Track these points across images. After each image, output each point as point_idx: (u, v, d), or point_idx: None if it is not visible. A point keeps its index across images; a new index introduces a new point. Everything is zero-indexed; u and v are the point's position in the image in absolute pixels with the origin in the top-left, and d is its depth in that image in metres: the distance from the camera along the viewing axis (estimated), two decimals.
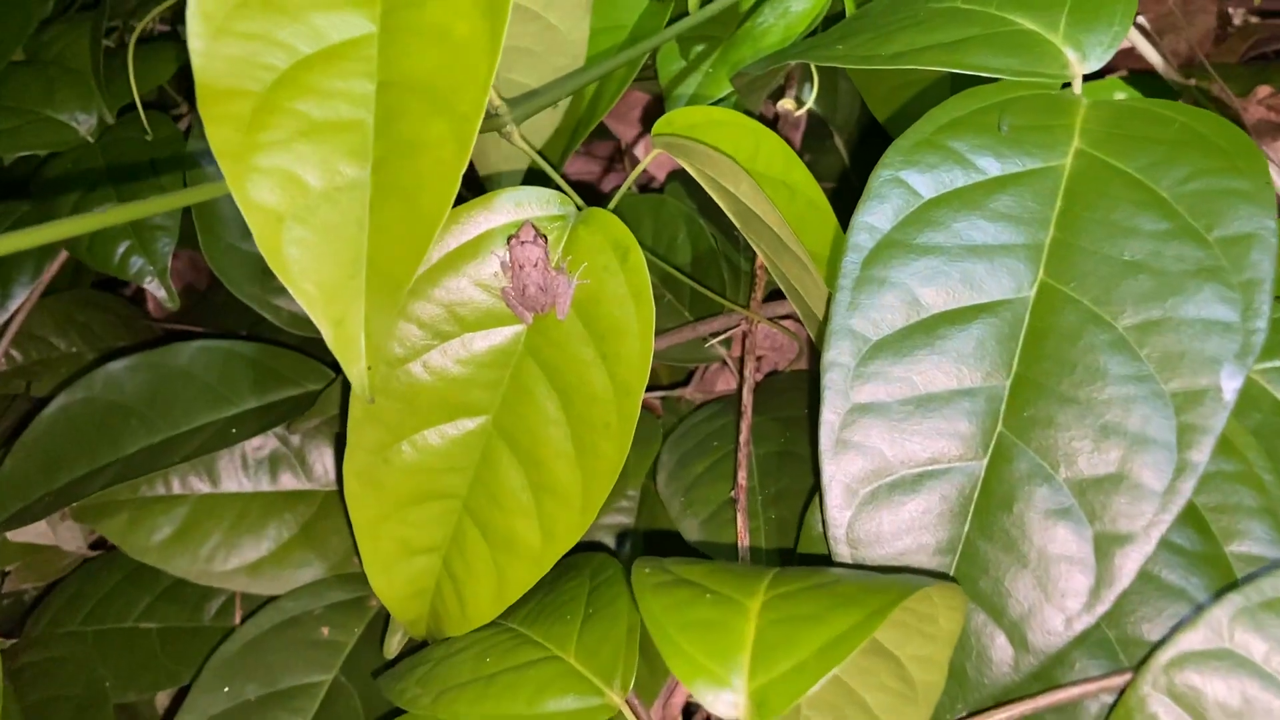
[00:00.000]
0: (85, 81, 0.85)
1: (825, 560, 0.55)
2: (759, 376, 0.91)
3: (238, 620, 0.81)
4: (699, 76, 0.75)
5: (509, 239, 0.60)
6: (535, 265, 0.59)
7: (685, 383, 0.87)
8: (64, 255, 0.85)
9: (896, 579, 0.49)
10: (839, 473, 0.54)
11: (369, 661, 0.75)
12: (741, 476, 0.72)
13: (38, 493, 0.78)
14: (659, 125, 0.64)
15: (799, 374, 0.88)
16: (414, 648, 0.73)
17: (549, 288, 0.60)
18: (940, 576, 0.53)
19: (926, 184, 0.52)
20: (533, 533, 0.63)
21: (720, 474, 0.76)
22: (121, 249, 0.81)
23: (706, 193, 0.84)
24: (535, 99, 0.66)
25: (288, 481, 0.79)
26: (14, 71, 0.86)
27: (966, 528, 0.53)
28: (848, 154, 0.96)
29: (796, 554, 0.65)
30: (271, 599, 0.79)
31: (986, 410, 0.53)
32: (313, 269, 0.48)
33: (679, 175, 0.97)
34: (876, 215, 0.52)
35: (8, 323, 0.83)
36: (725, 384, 0.91)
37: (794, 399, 0.83)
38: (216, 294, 1.02)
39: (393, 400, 0.62)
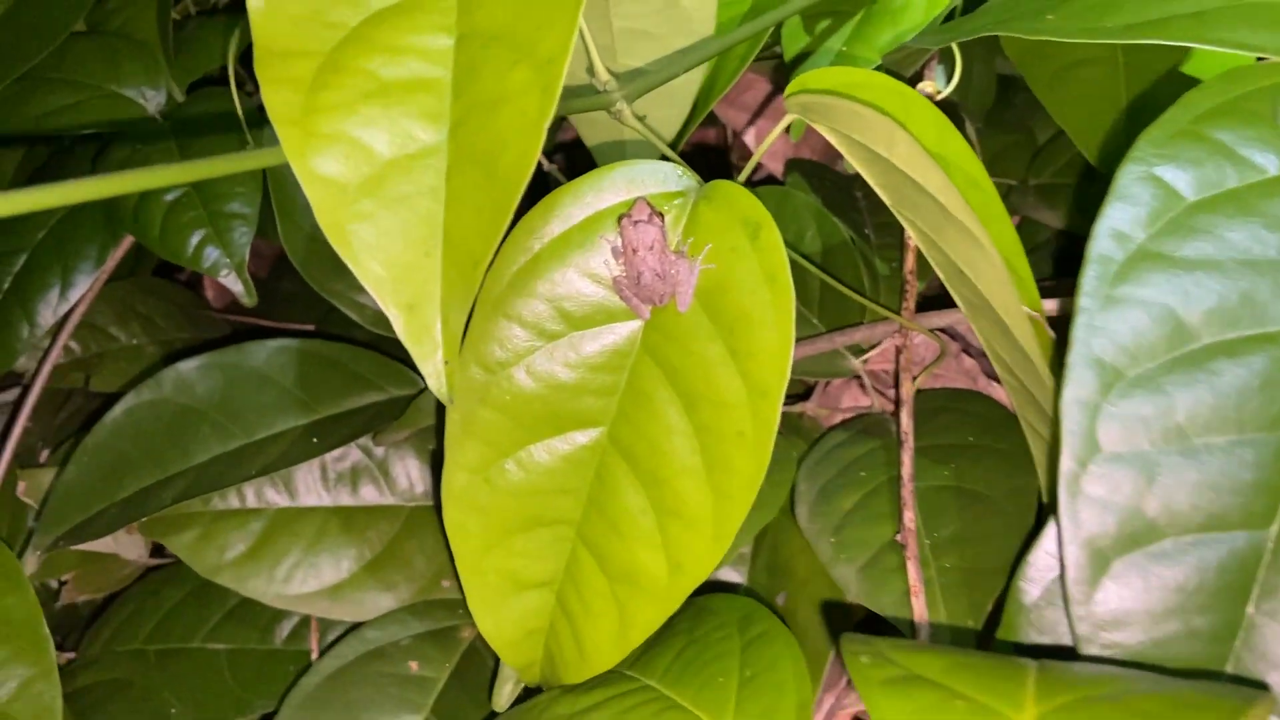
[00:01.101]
0: (152, 54, 0.79)
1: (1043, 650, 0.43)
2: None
3: (314, 645, 0.75)
4: (828, 55, 0.68)
5: (620, 219, 0.52)
6: (651, 248, 0.51)
7: (805, 397, 0.76)
8: (127, 243, 0.80)
9: (1202, 690, 0.38)
10: (1083, 535, 0.43)
11: (462, 701, 0.67)
12: (909, 518, 0.62)
13: (101, 504, 0.73)
14: (792, 86, 0.55)
15: (956, 393, 0.77)
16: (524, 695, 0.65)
17: (667, 274, 0.51)
18: (1212, 675, 0.41)
19: (1189, 183, 0.43)
20: (657, 563, 0.54)
21: (874, 511, 0.66)
22: (196, 238, 0.75)
23: (833, 186, 0.73)
24: (649, 75, 0.58)
25: (370, 495, 0.73)
26: (75, 43, 0.80)
27: (1250, 609, 0.42)
28: (978, 142, 0.87)
29: (996, 635, 0.53)
30: (353, 626, 0.72)
31: (1276, 463, 0.42)
32: (381, 247, 0.41)
33: (799, 166, 0.87)
34: (1127, 220, 0.43)
35: (69, 313, 0.79)
36: (852, 399, 0.80)
37: (954, 423, 0.71)
38: (280, 283, 0.96)
39: (494, 412, 0.54)
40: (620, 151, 0.76)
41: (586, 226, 0.54)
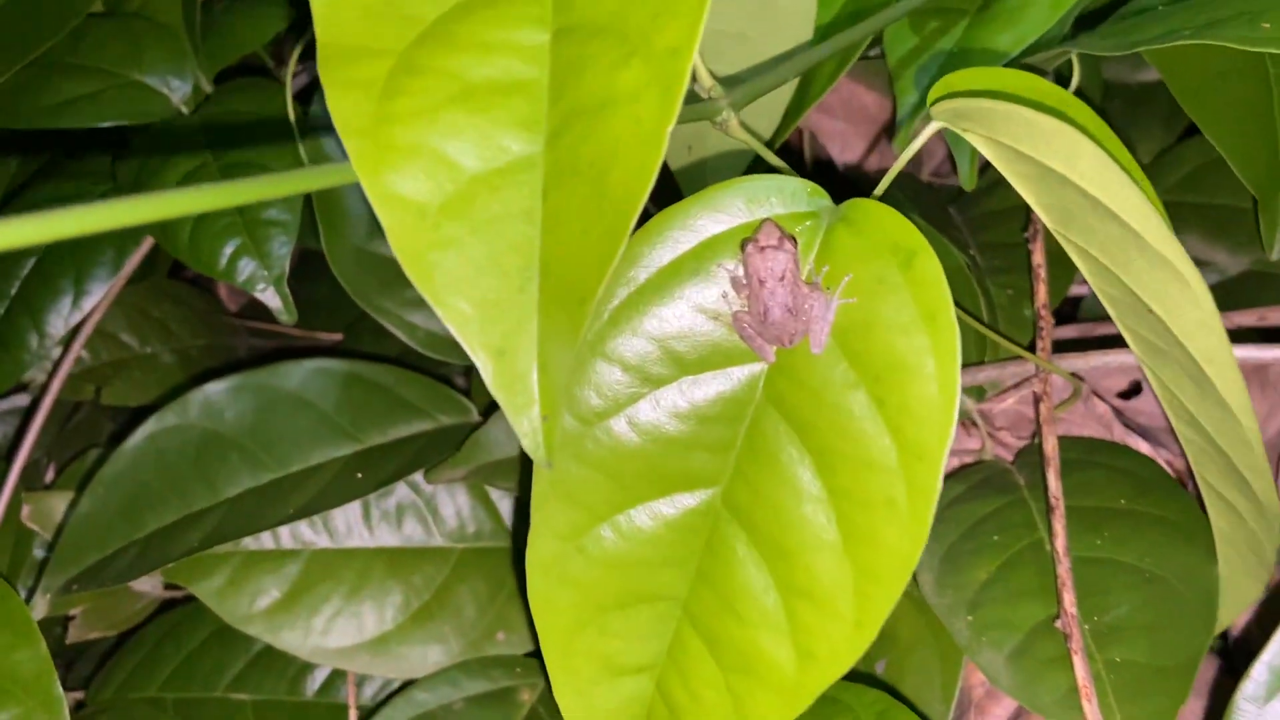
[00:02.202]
0: (177, 39, 0.71)
1: None
2: (1022, 443, 0.71)
3: (350, 698, 0.68)
4: (938, 59, 0.63)
5: (743, 245, 0.44)
6: (781, 279, 0.43)
7: None
8: (146, 245, 0.73)
9: None
10: None
11: None
12: (1069, 601, 0.53)
13: (119, 542, 0.66)
14: (937, 89, 0.47)
15: (1094, 444, 0.68)
16: None
17: (799, 310, 0.43)
18: None
19: None
20: (782, 651, 0.46)
21: (1017, 586, 0.58)
22: (230, 248, 0.67)
23: (925, 200, 0.65)
24: (754, 81, 0.51)
25: (415, 535, 0.67)
26: (92, 25, 0.71)
27: None
28: None
29: None
30: (400, 685, 0.66)
31: None
32: (467, 279, 0.34)
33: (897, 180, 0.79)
34: None
35: (82, 322, 0.72)
36: (958, 442, 0.71)
37: (1099, 482, 0.63)
38: (302, 285, 0.88)
39: (589, 469, 0.47)
40: (701, 173, 0.69)
41: (701, 253, 0.46)
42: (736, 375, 0.46)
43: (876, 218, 0.44)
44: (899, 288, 0.43)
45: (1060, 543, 0.56)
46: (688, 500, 0.47)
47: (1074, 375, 0.68)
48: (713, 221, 0.46)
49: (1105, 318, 0.81)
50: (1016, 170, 0.47)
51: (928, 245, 0.43)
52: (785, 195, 0.46)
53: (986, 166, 0.65)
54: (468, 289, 0.35)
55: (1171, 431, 0.78)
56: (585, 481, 0.47)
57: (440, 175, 0.36)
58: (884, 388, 0.43)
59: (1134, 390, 0.77)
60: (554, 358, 0.35)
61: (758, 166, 0.55)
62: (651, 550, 0.47)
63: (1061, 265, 0.72)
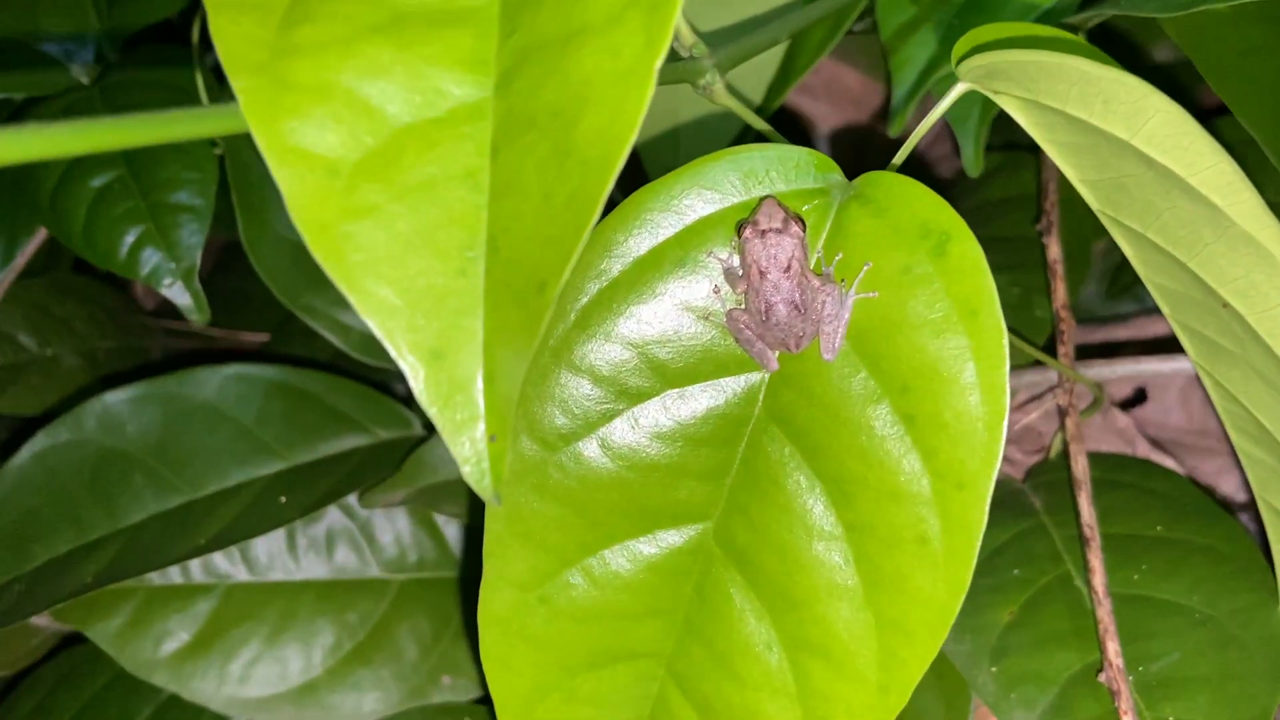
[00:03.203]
0: (79, 3, 0.63)
1: None
2: (1031, 458, 0.64)
3: None
4: (936, 31, 0.58)
5: (739, 229, 0.36)
6: (786, 270, 0.35)
7: None
8: (42, 234, 0.65)
9: None
10: None
11: None
12: (1112, 650, 0.45)
13: (2, 577, 0.58)
14: (962, 45, 0.40)
15: (1119, 462, 0.61)
16: None
17: (808, 307, 0.35)
18: None
19: None
20: (788, 718, 0.38)
21: (1045, 628, 0.51)
22: (131, 237, 0.58)
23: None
24: (743, 40, 0.44)
25: (349, 565, 0.61)
26: None
27: None
28: None
29: None
30: None
31: None
32: (392, 260, 0.26)
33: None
34: None
35: None
36: None
37: (1130, 505, 0.56)
38: (226, 280, 0.79)
39: (553, 503, 0.39)
40: (673, 148, 0.61)
41: (687, 240, 0.38)
42: (731, 387, 0.39)
43: (900, 194, 0.37)
44: (930, 279, 0.36)
45: (1099, 581, 0.48)
46: (673, 538, 0.40)
47: (1095, 382, 0.60)
48: (701, 201, 0.38)
49: (1101, 319, 0.75)
50: (1058, 139, 0.40)
51: (965, 226, 0.35)
52: (788, 168, 0.38)
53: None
54: (392, 272, 0.27)
55: (1189, 446, 0.72)
56: (549, 518, 0.39)
57: (357, 125, 0.28)
58: (913, 400, 0.36)
59: (1138, 399, 0.71)
60: (505, 362, 0.27)
61: (746, 141, 0.47)
62: (630, 599, 0.40)
63: (1076, 260, 0.65)
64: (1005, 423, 0.34)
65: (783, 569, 0.39)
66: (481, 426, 0.27)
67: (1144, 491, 0.57)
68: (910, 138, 0.41)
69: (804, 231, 0.37)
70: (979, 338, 0.35)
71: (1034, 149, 0.71)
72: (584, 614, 0.41)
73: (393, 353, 0.27)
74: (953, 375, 0.35)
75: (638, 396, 0.39)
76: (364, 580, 0.62)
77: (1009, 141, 0.73)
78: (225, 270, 0.80)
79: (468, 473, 0.27)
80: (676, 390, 0.39)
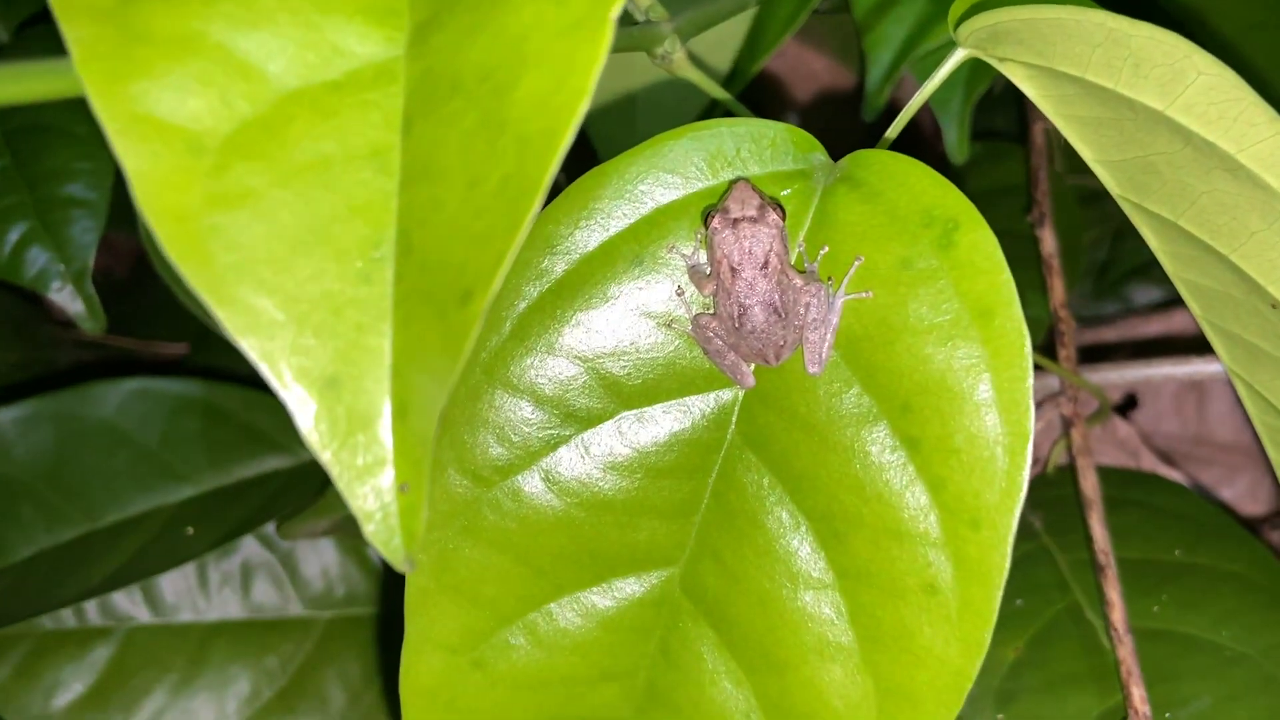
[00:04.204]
0: None
1: None
2: (1032, 472, 0.60)
3: None
4: (914, 6, 0.57)
5: (705, 218, 0.32)
6: (764, 267, 0.32)
7: None
8: None
9: None
10: None
11: None
12: (1138, 697, 0.42)
13: None
14: (959, 4, 0.36)
15: (1127, 477, 0.58)
16: None
17: (789, 311, 0.31)
18: None
19: None
20: None
21: (1056, 667, 0.50)
22: (15, 235, 0.55)
23: None
24: (706, 4, 0.40)
25: (268, 603, 0.58)
26: None
27: None
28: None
29: None
30: None
31: None
32: (272, 261, 0.22)
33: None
34: None
35: None
36: None
37: (1144, 527, 0.54)
38: (144, 286, 0.75)
39: (489, 549, 0.35)
40: (628, 124, 0.57)
41: (644, 233, 0.34)
42: (699, 407, 0.35)
43: (896, 174, 0.33)
44: (934, 274, 0.32)
45: (1119, 617, 0.45)
46: (632, 588, 0.36)
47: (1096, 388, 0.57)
48: (661, 186, 0.34)
49: (1085, 319, 0.72)
50: (1075, 113, 0.36)
51: (975, 212, 0.32)
52: (762, 147, 0.34)
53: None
54: (274, 278, 0.22)
55: (1184, 454, 0.69)
56: (484, 567, 0.35)
57: (230, 89, 0.23)
58: (917, 421, 0.32)
59: (1128, 405, 0.68)
60: (420, 391, 0.22)
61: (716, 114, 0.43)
62: (581, 661, 0.36)
63: (1071, 256, 0.62)
64: (1029, 447, 0.30)
65: (763, 623, 0.34)
66: (389, 473, 0.22)
67: (1155, 510, 0.54)
68: (905, 110, 0.36)
69: (783, 220, 0.33)
70: (995, 344, 0.31)
71: (1017, 137, 0.68)
72: (527, 680, 0.36)
73: (273, 382, 0.22)
74: (964, 390, 0.31)
75: (588, 420, 0.35)
76: (285, 619, 0.59)
77: (987, 129, 0.71)
78: (143, 276, 0.75)
79: (371, 532, 0.23)
80: (634, 412, 0.35)
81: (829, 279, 0.33)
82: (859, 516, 0.33)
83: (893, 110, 0.58)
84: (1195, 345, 0.67)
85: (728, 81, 0.55)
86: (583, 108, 0.21)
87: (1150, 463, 0.62)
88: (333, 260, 0.23)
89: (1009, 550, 0.30)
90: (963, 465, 0.31)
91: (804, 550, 0.34)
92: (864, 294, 0.33)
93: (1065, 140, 0.60)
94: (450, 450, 0.35)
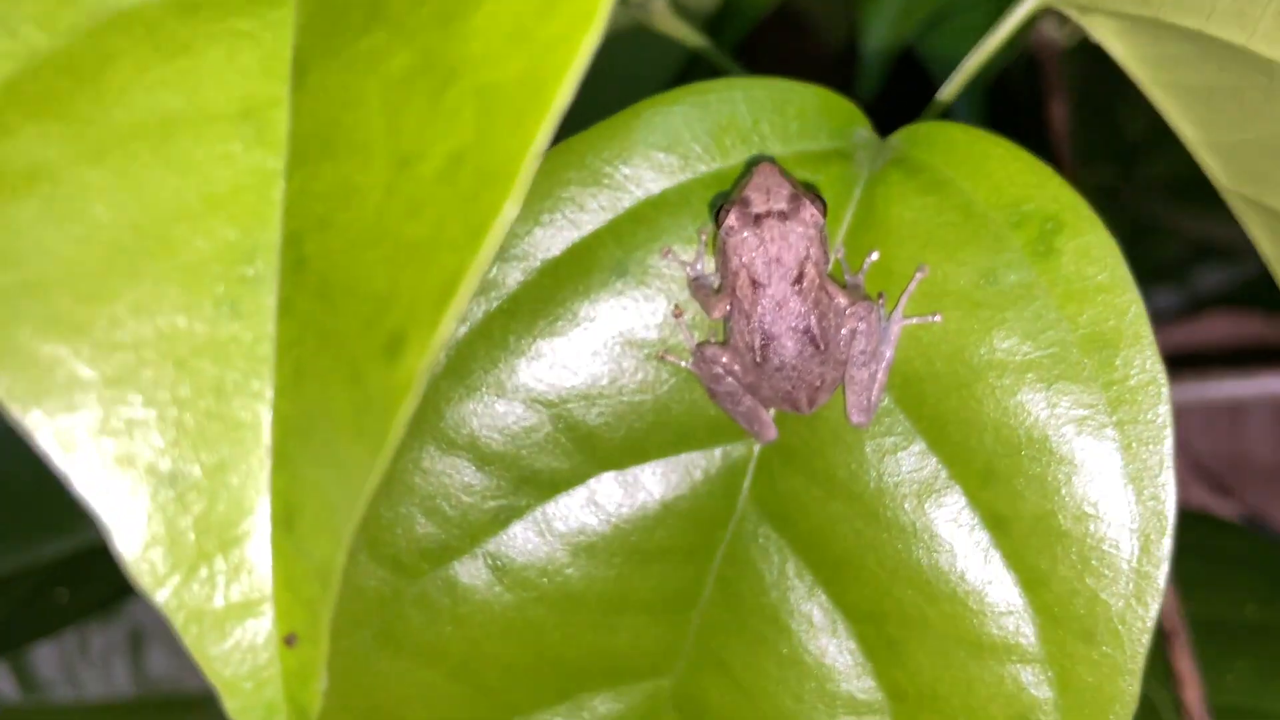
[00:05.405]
0: None
1: None
2: None
3: None
4: None
5: (715, 212, 0.25)
6: (797, 281, 0.25)
7: None
8: None
9: None
10: None
11: None
12: None
13: None
14: None
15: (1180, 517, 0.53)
16: None
17: (829, 339, 0.25)
18: None
19: None
20: None
21: None
22: None
23: None
24: None
25: (165, 676, 0.54)
26: None
27: None
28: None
29: None
30: None
31: None
32: (74, 271, 0.13)
33: None
34: None
35: None
36: None
37: (1195, 577, 0.48)
38: None
39: (414, 660, 0.30)
40: (607, 82, 0.51)
41: (628, 231, 0.28)
42: (700, 468, 0.30)
43: (973, 156, 0.27)
44: (1029, 292, 0.26)
45: (1194, 696, 0.39)
46: (609, 707, 0.31)
47: None
48: (650, 168, 0.28)
49: None
50: (1181, 80, 0.32)
51: (1085, 207, 0.26)
52: (787, 117, 0.28)
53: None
54: (74, 309, 0.15)
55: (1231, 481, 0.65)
56: (408, 686, 0.29)
57: (12, 6, 0.16)
58: (1004, 493, 0.26)
59: None
60: (319, 490, 0.15)
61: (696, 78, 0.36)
62: None
63: None
64: (1172, 531, 0.23)
65: None
66: (266, 620, 0.15)
67: (1218, 556, 0.50)
68: (959, 70, 0.30)
69: (824, 217, 0.26)
70: (1118, 388, 0.25)
71: (1030, 129, 0.64)
72: None
73: (71, 477, 0.14)
74: (1073, 451, 0.25)
75: (551, 485, 0.29)
76: (184, 696, 0.55)
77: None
78: None
79: (237, 711, 0.15)
80: (613, 473, 0.29)
81: (880, 297, 0.26)
82: (921, 619, 0.26)
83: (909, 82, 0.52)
84: (1225, 358, 0.63)
85: (715, 32, 0.48)
86: (591, 41, 0.14)
87: (1201, 496, 0.58)
88: (176, 282, 0.15)
89: (1140, 674, 0.24)
90: (1071, 555, 0.25)
91: (843, 661, 0.27)
92: (930, 318, 0.26)
93: (1073, 127, 0.54)
94: (361, 528, 0.27)
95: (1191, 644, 0.44)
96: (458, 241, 0.15)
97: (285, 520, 0.15)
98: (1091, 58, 0.75)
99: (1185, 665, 0.42)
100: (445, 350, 0.27)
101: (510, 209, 0.15)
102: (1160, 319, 0.69)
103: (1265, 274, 0.42)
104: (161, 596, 0.15)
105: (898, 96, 0.51)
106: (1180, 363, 0.65)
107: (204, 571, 0.15)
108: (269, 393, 0.16)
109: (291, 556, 0.15)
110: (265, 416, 0.16)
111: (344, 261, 0.15)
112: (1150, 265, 0.70)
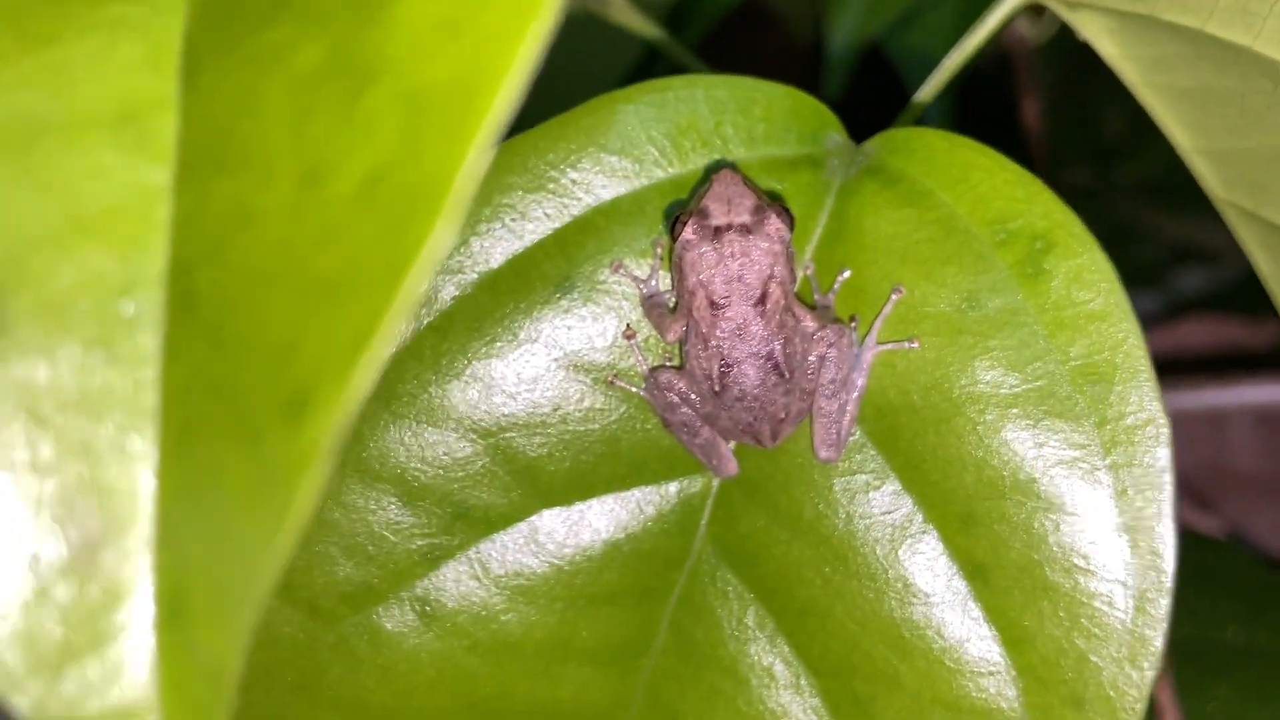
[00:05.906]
0: None
1: None
2: None
3: None
4: None
5: (670, 223, 0.23)
6: (760, 301, 0.23)
7: None
8: None
9: None
10: None
11: None
12: None
13: None
14: None
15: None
16: None
17: (794, 366, 0.23)
18: None
19: None
20: None
21: None
22: None
23: None
24: None
25: None
26: None
27: None
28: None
29: None
30: None
31: None
32: None
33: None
34: None
35: None
36: None
37: (1177, 594, 0.48)
38: None
39: (332, 716, 0.25)
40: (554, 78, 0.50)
41: (572, 243, 0.26)
42: (652, 504, 0.27)
43: (955, 164, 0.25)
44: (1015, 318, 0.24)
45: None
46: None
47: None
48: (600, 173, 0.26)
49: None
50: (1176, 83, 0.32)
51: (1077, 224, 0.24)
52: (752, 119, 0.26)
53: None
54: None
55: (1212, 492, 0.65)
56: None
57: None
58: (984, 539, 0.25)
59: None
60: (213, 572, 0.13)
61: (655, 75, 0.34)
62: None
63: None
64: (1170, 587, 0.22)
65: None
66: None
67: (1200, 574, 0.50)
68: (940, 69, 0.28)
69: (791, 231, 0.24)
70: (1112, 426, 0.23)
71: (1002, 130, 0.63)
72: None
73: None
74: (1061, 496, 0.23)
75: (486, 523, 0.27)
76: None
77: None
78: None
79: None
80: (556, 510, 0.27)
81: (852, 320, 0.25)
82: (892, 676, 0.25)
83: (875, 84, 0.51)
84: (1205, 364, 0.63)
85: (676, 25, 0.46)
86: (538, 34, 0.12)
87: (1179, 510, 0.58)
88: (35, 323, 0.13)
89: None
90: (1059, 611, 0.23)
91: None
92: (906, 344, 0.24)
93: (1047, 127, 0.53)
94: (279, 583, 0.25)
95: (1170, 668, 0.43)
96: (375, 279, 0.12)
97: (172, 609, 0.13)
98: (1066, 55, 0.74)
99: (1164, 694, 0.41)
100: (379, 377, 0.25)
101: (440, 240, 0.13)
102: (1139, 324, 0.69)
103: (1246, 277, 0.41)
104: (21, 703, 0.13)
105: (864, 92, 0.49)
106: (1159, 370, 0.65)
107: (73, 673, 0.13)
108: (152, 454, 0.13)
109: (179, 652, 0.13)
110: (147, 483, 0.13)
111: (240, 299, 0.13)
112: (1128, 269, 0.70)
